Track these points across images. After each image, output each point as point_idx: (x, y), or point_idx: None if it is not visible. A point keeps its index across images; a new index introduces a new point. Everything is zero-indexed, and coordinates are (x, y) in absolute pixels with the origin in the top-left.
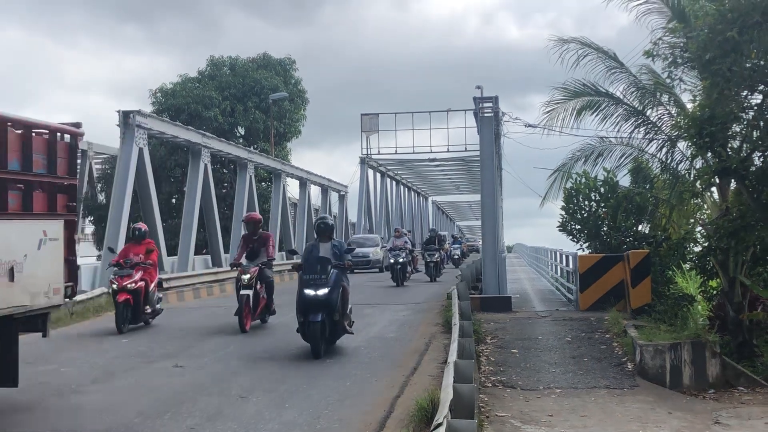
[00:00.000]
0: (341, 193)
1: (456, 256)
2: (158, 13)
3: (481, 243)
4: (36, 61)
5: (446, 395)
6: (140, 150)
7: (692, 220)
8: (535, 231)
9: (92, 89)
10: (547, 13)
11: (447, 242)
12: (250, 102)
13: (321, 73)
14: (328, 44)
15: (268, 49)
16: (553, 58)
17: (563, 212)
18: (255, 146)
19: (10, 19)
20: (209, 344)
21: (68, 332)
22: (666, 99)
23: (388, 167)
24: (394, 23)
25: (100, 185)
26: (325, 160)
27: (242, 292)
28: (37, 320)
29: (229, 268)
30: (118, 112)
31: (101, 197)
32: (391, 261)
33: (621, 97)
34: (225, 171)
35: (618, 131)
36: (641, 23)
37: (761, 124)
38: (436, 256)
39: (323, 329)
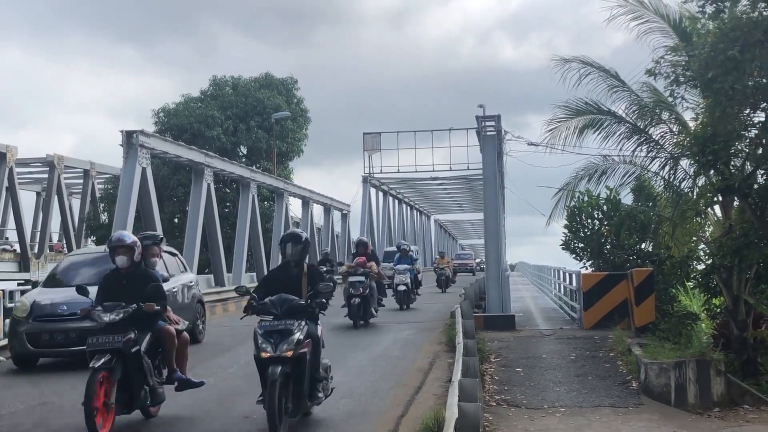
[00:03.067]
0: (344, 212)
1: (401, 287)
2: (156, 35)
3: (475, 261)
4: (36, 83)
5: (451, 414)
6: (143, 170)
7: (695, 238)
8: (538, 249)
9: (92, 110)
10: (543, 33)
11: (414, 260)
12: (252, 121)
13: (318, 92)
14: (324, 64)
15: (265, 69)
16: (555, 77)
17: (566, 230)
18: (257, 165)
19: (11, 42)
20: (213, 363)
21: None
22: (668, 117)
23: (391, 186)
24: (389, 44)
25: (102, 205)
26: (324, 180)
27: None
28: None
29: (231, 287)
30: (121, 131)
31: (104, 217)
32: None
33: (623, 115)
34: (228, 190)
35: (620, 149)
36: (642, 42)
37: (764, 141)
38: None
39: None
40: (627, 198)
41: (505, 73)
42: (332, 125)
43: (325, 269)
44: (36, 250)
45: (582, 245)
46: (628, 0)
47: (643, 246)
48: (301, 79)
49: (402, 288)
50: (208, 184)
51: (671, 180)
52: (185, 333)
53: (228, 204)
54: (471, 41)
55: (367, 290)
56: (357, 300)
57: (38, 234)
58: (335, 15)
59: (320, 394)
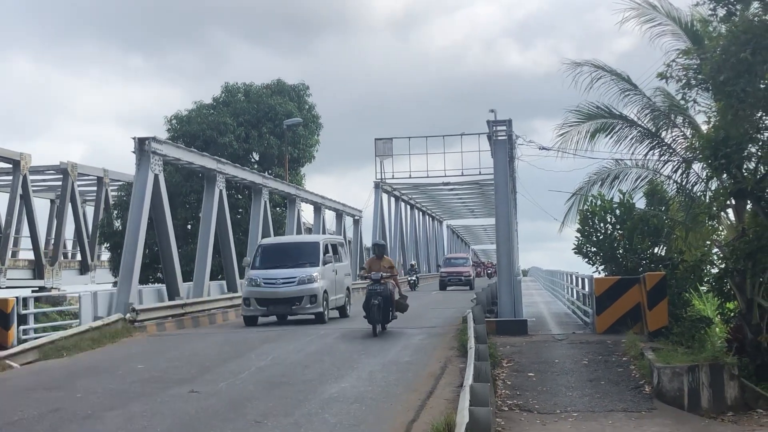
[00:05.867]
0: (356, 217)
1: (375, 301)
2: (164, 45)
3: (480, 268)
4: (47, 93)
5: (462, 419)
6: (155, 176)
7: (708, 242)
8: (551, 255)
9: (102, 119)
10: (548, 39)
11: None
12: (264, 128)
13: (327, 100)
14: (332, 72)
15: (273, 78)
16: (565, 81)
17: (579, 235)
18: (269, 171)
19: (22, 52)
20: (225, 369)
21: (84, 358)
22: (680, 121)
23: (402, 191)
24: (396, 52)
25: (116, 212)
26: (335, 186)
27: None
28: None
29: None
30: (134, 138)
31: (117, 224)
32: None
33: (635, 119)
34: (240, 196)
35: (632, 153)
36: (654, 45)
37: None
38: None
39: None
40: (640, 202)
41: (512, 79)
42: (342, 132)
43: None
44: (50, 257)
45: (594, 249)
46: (640, 3)
47: (656, 250)
48: (310, 86)
49: (376, 302)
50: (221, 191)
51: (684, 184)
52: None
53: (240, 210)
54: (477, 48)
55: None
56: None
57: (52, 241)
58: (342, 23)
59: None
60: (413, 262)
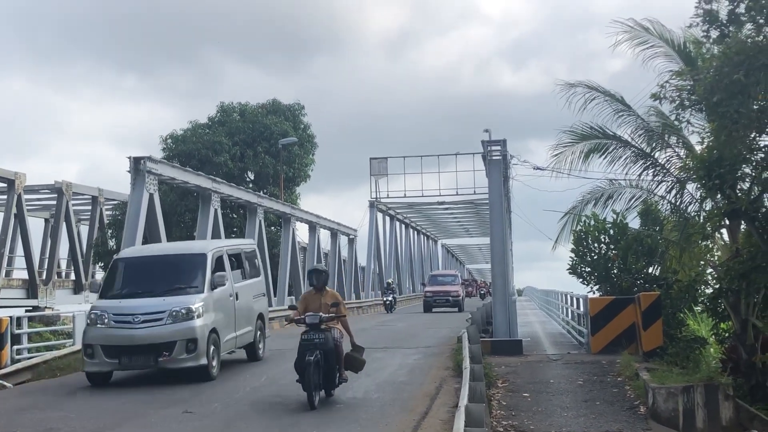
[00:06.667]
0: (350, 236)
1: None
2: (159, 65)
3: (472, 287)
4: (41, 112)
5: None
6: (150, 195)
7: (703, 262)
8: (546, 274)
9: (97, 138)
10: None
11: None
12: (259, 147)
13: (321, 119)
14: (326, 93)
15: (267, 98)
16: (558, 101)
17: (573, 255)
18: (264, 191)
19: (16, 72)
20: (219, 389)
21: (77, 378)
22: (674, 141)
23: (397, 211)
24: (389, 72)
25: (110, 231)
26: (330, 205)
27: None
28: None
29: None
30: (129, 158)
31: (111, 243)
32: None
33: (629, 139)
34: (235, 216)
35: (626, 173)
36: (647, 67)
37: None
38: None
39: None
40: (634, 222)
41: (505, 99)
42: (337, 151)
43: None
44: (44, 277)
45: (589, 269)
46: (633, 26)
47: (650, 270)
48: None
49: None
50: (216, 210)
51: (678, 204)
52: None
53: (235, 229)
54: (470, 68)
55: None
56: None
57: (46, 261)
58: (336, 44)
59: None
60: (390, 280)
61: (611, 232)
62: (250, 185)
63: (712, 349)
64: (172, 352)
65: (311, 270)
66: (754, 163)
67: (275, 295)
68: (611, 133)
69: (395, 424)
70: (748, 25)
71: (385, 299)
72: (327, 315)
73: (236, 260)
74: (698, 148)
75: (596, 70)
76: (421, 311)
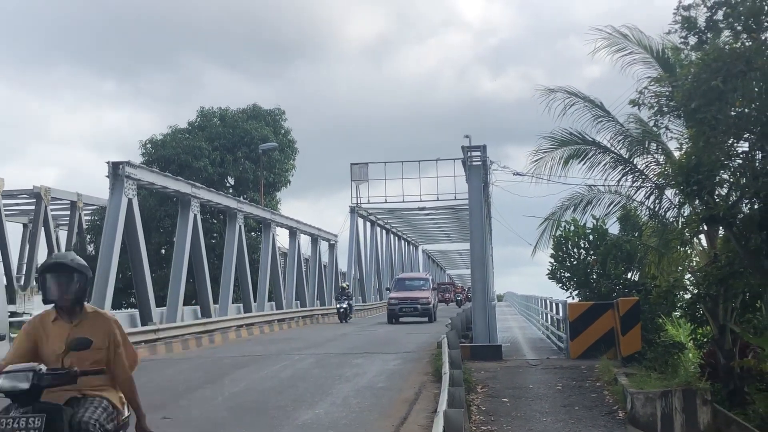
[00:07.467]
0: (331, 242)
1: None
2: (138, 70)
3: (450, 292)
4: (20, 117)
5: None
6: (129, 201)
7: (681, 268)
8: (526, 279)
9: (76, 143)
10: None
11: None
12: (239, 152)
13: (302, 125)
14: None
15: (247, 103)
16: (539, 107)
17: (552, 260)
18: (245, 196)
19: None
20: (198, 395)
21: None
22: (653, 147)
23: (378, 216)
24: (369, 78)
25: (89, 236)
26: (310, 210)
27: None
28: None
29: (217, 319)
30: (108, 163)
31: (90, 248)
32: None
33: (608, 145)
34: (214, 221)
35: (606, 179)
36: (625, 74)
37: (748, 171)
38: None
39: None
40: (613, 227)
41: (484, 105)
42: (318, 157)
43: None
44: (22, 282)
45: (568, 275)
46: (612, 33)
47: (629, 275)
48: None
49: None
50: (195, 215)
51: (657, 209)
52: None
53: (215, 235)
54: (450, 75)
55: None
56: None
57: (24, 266)
58: (316, 50)
59: None
60: (345, 284)
61: (591, 237)
62: (230, 190)
63: (690, 354)
64: None
65: (45, 266)
66: (732, 169)
67: (255, 301)
68: (590, 139)
69: (374, 430)
70: (726, 32)
71: (339, 306)
72: (79, 369)
73: None
74: (677, 154)
75: (575, 77)
76: (384, 321)
